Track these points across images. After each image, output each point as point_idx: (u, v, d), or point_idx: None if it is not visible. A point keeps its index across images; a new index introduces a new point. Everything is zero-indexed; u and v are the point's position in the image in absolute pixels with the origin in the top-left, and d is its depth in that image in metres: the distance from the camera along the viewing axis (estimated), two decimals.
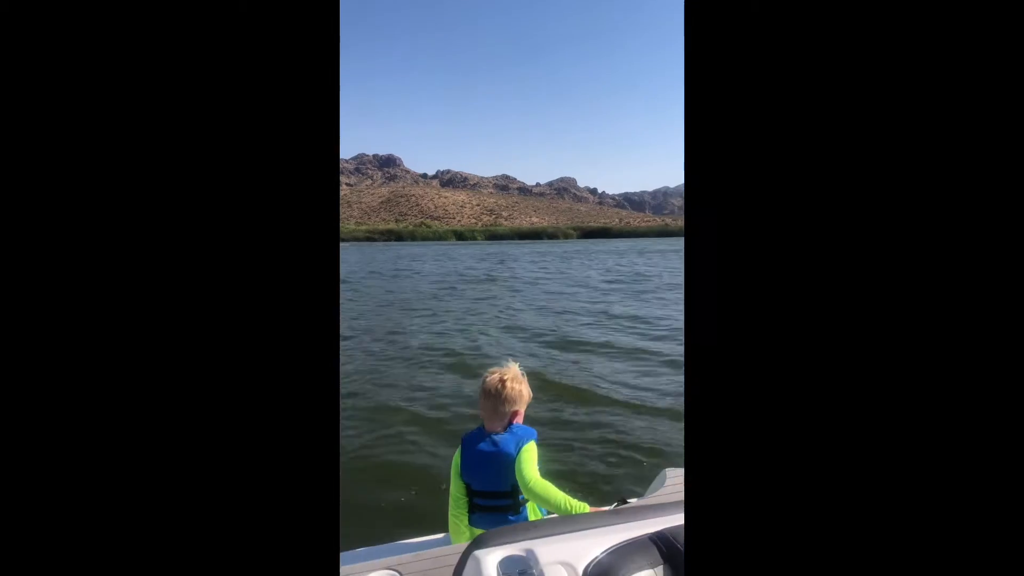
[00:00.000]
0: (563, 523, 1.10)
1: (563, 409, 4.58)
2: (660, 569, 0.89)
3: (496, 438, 1.61)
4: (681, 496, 1.44)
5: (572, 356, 6.56)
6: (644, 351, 6.61)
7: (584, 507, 1.51)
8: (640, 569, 0.88)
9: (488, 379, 1.67)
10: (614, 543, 0.95)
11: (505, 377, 1.66)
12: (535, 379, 3.05)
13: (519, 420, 1.69)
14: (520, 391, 1.67)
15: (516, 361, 1.77)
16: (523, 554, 0.96)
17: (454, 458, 1.67)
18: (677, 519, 1.07)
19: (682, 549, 0.91)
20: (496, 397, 1.62)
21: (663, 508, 1.16)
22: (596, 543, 0.97)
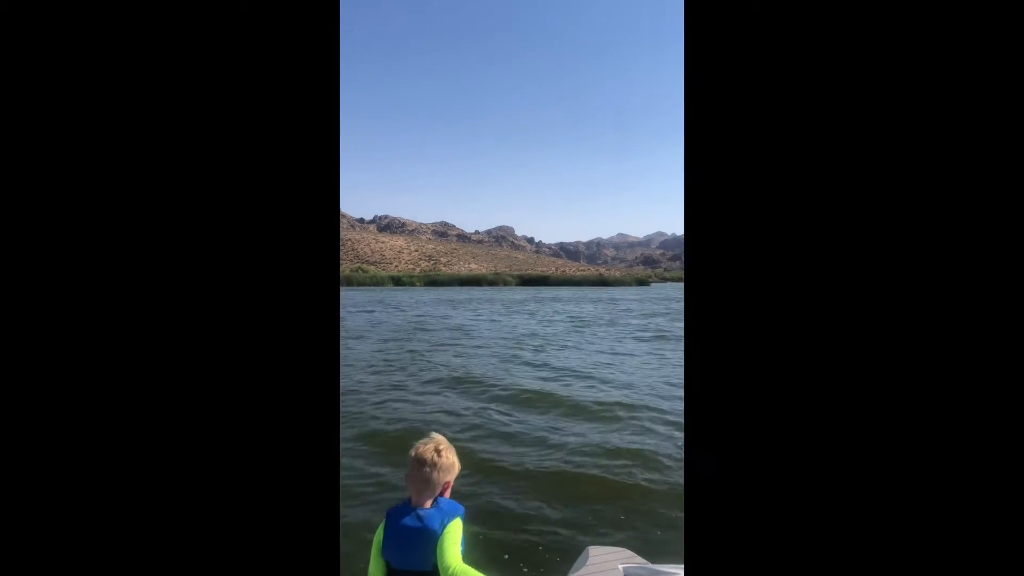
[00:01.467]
0: None
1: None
2: None
3: (421, 513, 1.60)
4: (602, 574, 1.53)
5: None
6: None
7: None
8: None
9: (421, 448, 1.66)
10: None
11: (440, 447, 1.67)
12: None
13: (448, 492, 1.70)
14: (453, 461, 1.69)
15: (439, 433, 1.76)
16: None
17: (377, 533, 1.66)
18: None
19: None
20: (432, 466, 1.62)
21: None
22: None
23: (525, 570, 2.98)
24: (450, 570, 1.49)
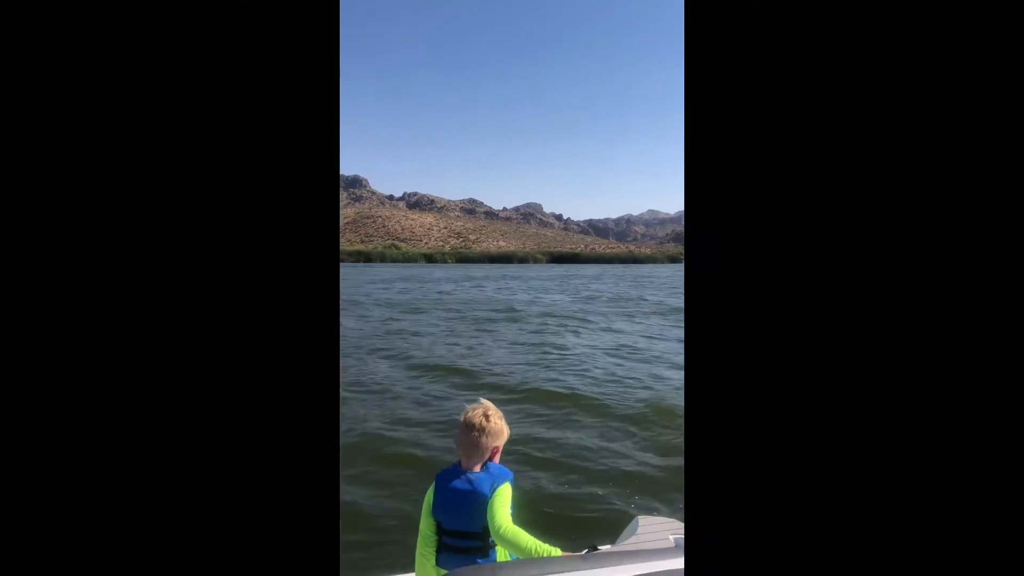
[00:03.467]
0: (530, 566, 1.10)
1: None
2: None
3: (471, 476, 1.61)
4: (652, 545, 1.51)
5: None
6: None
7: (556, 551, 1.50)
8: None
9: (470, 413, 1.67)
10: None
11: (488, 412, 1.67)
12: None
13: (497, 457, 1.70)
14: (502, 427, 1.68)
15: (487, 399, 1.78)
16: None
17: (427, 495, 1.68)
18: (647, 567, 1.08)
19: None
20: (480, 431, 1.62)
21: (633, 555, 1.18)
22: None
23: (573, 537, 2.90)
24: (500, 530, 1.53)
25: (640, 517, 1.87)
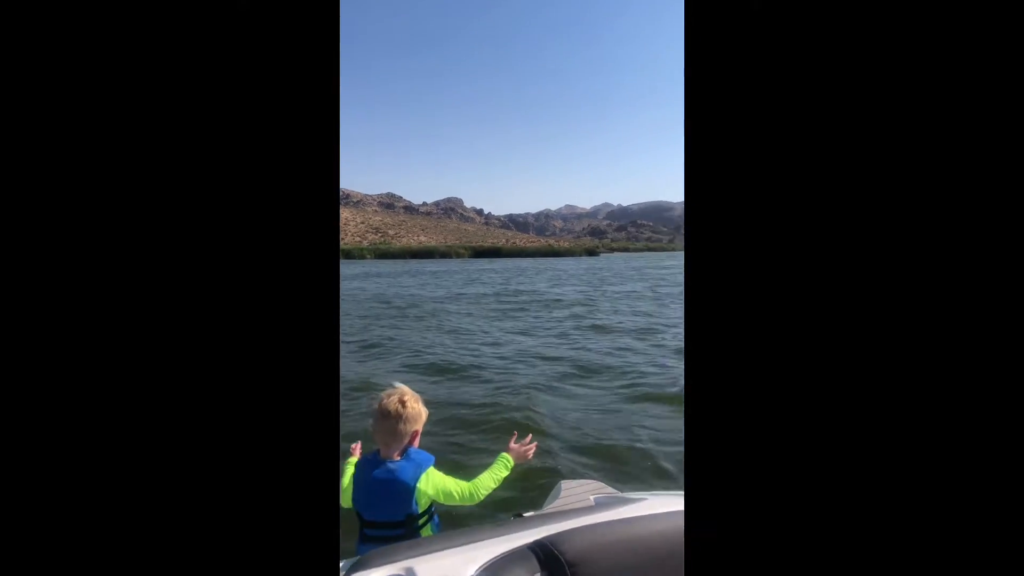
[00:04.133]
0: (449, 539, 1.10)
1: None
2: None
3: (392, 466, 1.57)
4: (573, 505, 1.60)
5: None
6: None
7: (506, 458, 1.68)
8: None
9: (385, 400, 1.62)
10: (496, 555, 0.96)
11: (404, 397, 1.63)
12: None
13: (416, 441, 1.66)
14: (419, 410, 1.65)
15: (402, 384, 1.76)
16: (403, 573, 0.97)
17: (344, 481, 1.65)
18: (564, 526, 1.11)
19: (560, 556, 0.94)
20: (396, 418, 1.58)
21: (553, 517, 1.22)
22: (479, 556, 0.98)
23: (500, 509, 2.96)
24: (466, 495, 1.58)
25: (563, 481, 1.91)
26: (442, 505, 1.64)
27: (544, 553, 0.93)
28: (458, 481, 1.64)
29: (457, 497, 1.60)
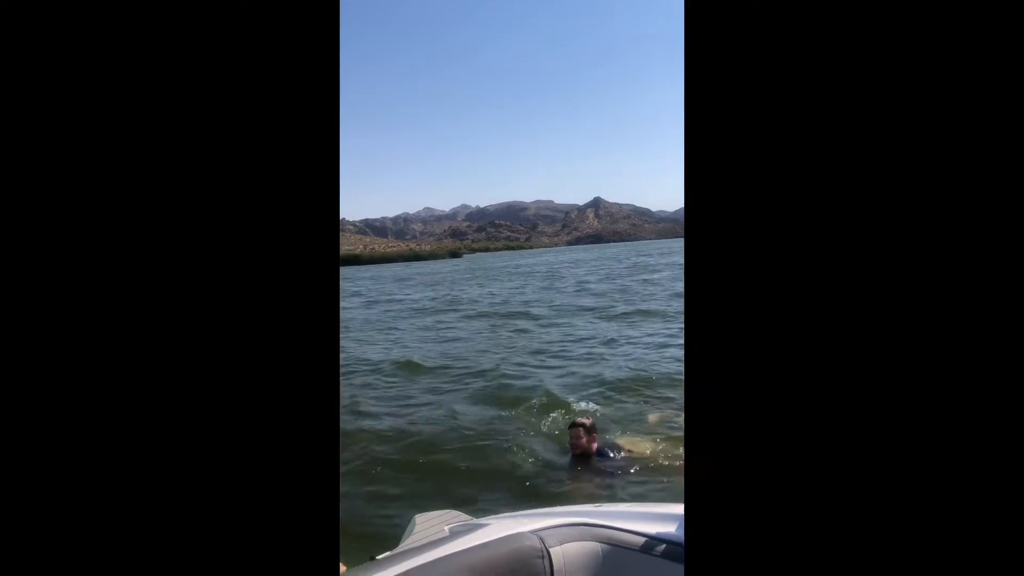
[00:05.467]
0: None
1: None
2: None
3: None
4: (429, 538, 1.59)
5: None
6: None
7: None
8: None
9: None
10: None
11: None
12: None
13: None
14: None
15: None
16: None
17: None
18: (417, 561, 1.17)
19: None
20: None
21: (407, 555, 1.26)
22: None
23: (358, 554, 2.96)
24: None
25: (417, 516, 1.93)
26: None
27: None
28: None
29: None
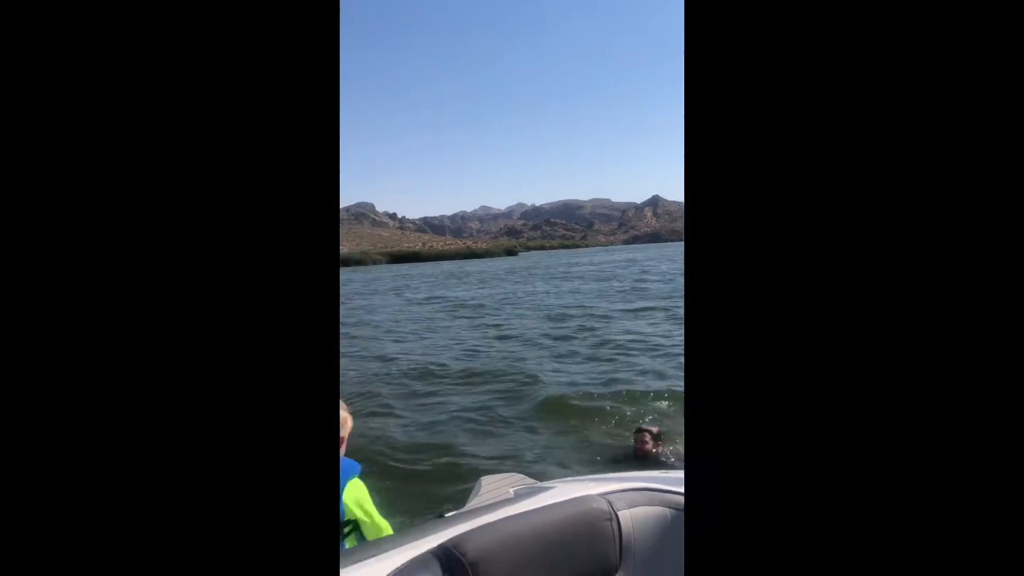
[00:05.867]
0: (361, 550, 1.10)
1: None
2: None
3: None
4: (494, 499, 1.59)
5: None
6: None
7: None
8: None
9: None
10: (401, 563, 0.97)
11: None
12: None
13: (344, 448, 1.69)
14: (345, 418, 1.69)
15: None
16: None
17: None
18: (482, 521, 1.15)
19: (461, 558, 0.98)
20: None
21: (473, 514, 1.25)
22: (384, 566, 0.98)
23: (428, 512, 3.09)
24: (372, 525, 1.58)
25: (483, 477, 1.99)
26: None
27: (447, 557, 0.98)
28: (373, 506, 1.63)
29: (368, 519, 1.59)
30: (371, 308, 19.19)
